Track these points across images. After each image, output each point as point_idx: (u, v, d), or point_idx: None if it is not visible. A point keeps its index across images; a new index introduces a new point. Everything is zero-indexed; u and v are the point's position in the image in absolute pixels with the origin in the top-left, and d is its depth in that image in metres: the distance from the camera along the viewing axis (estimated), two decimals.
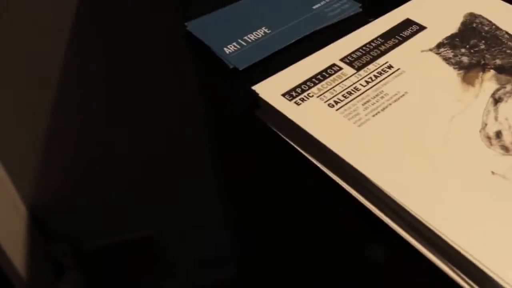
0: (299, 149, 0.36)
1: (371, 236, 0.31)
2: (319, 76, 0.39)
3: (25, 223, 1.00)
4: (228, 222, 0.33)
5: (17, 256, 0.94)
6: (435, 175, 0.32)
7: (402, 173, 0.32)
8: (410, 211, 0.30)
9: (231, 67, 0.41)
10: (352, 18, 0.45)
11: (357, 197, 0.33)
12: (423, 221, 0.30)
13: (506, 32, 0.41)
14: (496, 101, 0.36)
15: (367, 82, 0.38)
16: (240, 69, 0.41)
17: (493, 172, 0.32)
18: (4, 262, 0.91)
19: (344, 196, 0.33)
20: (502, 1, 0.44)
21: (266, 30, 0.44)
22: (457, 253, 0.29)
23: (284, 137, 0.36)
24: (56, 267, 1.10)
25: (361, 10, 0.45)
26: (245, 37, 0.43)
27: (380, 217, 0.32)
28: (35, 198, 1.01)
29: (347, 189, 0.33)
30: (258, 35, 0.44)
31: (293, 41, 0.43)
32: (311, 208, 0.34)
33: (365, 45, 0.41)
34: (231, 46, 0.43)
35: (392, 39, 0.41)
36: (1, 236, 0.88)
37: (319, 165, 0.35)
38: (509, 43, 0.40)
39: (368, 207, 0.32)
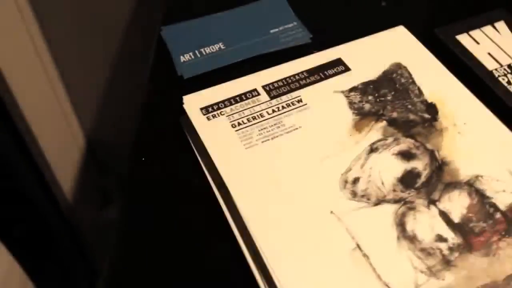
0: (198, 157, 0.43)
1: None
2: (237, 98, 0.45)
3: (80, 153, 1.14)
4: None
5: (67, 181, 1.09)
6: (284, 207, 0.39)
7: (257, 199, 0.39)
8: (250, 231, 0.37)
9: (179, 74, 0.49)
10: (302, 46, 0.51)
11: (225, 213, 0.40)
12: (257, 245, 0.37)
13: (418, 88, 0.45)
14: (372, 150, 0.41)
15: (273, 111, 0.44)
16: (185, 77, 0.48)
17: (331, 212, 0.38)
18: (54, 185, 1.06)
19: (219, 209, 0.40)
20: (433, 56, 0.48)
21: (221, 46, 0.51)
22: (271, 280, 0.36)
23: (192, 145, 0.44)
24: (103, 198, 1.24)
25: (310, 41, 0.51)
26: (202, 49, 0.50)
27: (235, 233, 0.39)
28: (94, 131, 1.14)
29: (221, 202, 0.40)
30: (214, 49, 0.50)
31: (241, 59, 0.50)
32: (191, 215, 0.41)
33: (289, 77, 0.46)
34: (187, 55, 0.50)
35: (316, 75, 0.47)
36: (55, 161, 1.02)
37: (208, 175, 0.42)
38: (415, 99, 0.44)
39: (230, 223, 0.39)
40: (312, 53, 0.49)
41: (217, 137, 0.43)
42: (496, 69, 0.47)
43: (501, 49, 0.49)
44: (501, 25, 0.51)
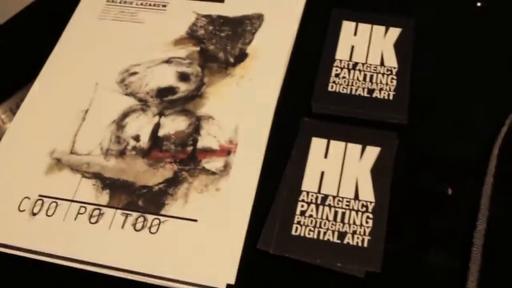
0: None
1: None
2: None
3: None
4: None
5: None
6: (79, 67, 0.49)
7: (68, 53, 0.50)
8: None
9: None
10: None
11: None
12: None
13: (251, 39, 0.49)
14: (166, 61, 0.48)
15: (142, 4, 0.52)
16: None
17: (96, 83, 0.47)
18: None
19: None
20: (295, 26, 0.49)
21: None
22: None
23: None
24: None
25: None
26: None
27: None
28: None
29: None
30: None
31: None
32: None
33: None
34: None
35: None
36: None
37: None
38: (239, 44, 0.49)
39: None
40: None
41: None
42: (340, 60, 0.48)
43: (368, 48, 0.48)
44: (394, 31, 0.49)
